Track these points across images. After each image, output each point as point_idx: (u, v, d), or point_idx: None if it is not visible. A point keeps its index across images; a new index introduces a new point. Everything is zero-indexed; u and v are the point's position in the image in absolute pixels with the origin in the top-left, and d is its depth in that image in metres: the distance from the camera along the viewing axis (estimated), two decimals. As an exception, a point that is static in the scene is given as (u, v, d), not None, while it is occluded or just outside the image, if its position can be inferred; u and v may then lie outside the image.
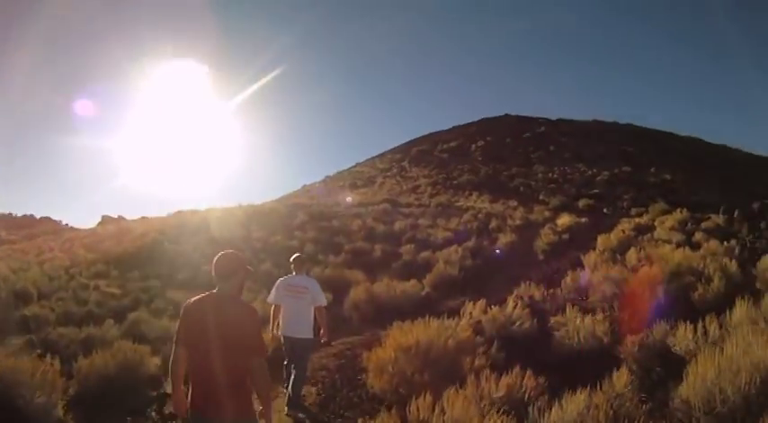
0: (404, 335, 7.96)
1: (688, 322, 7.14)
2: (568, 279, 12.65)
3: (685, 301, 9.70)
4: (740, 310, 7.38)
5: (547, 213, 29.39)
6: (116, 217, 43.10)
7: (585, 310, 9.61)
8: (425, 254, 20.08)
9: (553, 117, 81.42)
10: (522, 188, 42.79)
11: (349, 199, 22.79)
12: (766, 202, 23.33)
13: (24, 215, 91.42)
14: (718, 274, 10.40)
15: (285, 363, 7.72)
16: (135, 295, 17.32)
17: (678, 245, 16.10)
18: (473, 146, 64.29)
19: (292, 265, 8.02)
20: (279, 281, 7.90)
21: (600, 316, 9.08)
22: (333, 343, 10.58)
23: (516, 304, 10.15)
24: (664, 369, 6.82)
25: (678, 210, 23.94)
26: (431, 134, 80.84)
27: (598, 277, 12.27)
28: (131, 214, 41.18)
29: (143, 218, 38.73)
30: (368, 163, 71.25)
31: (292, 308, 7.52)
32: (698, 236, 18.92)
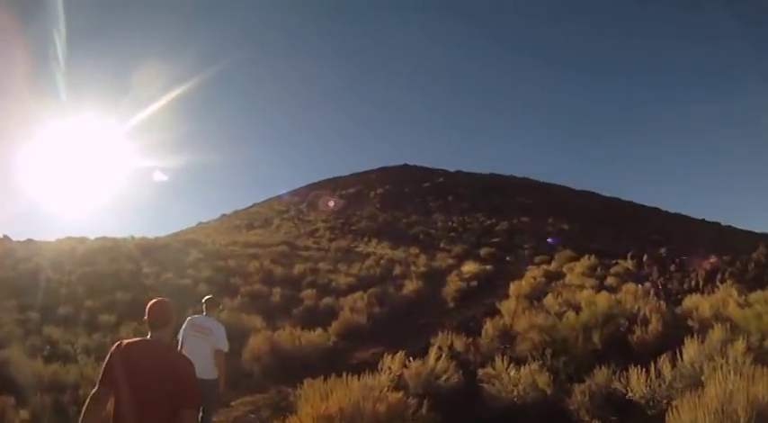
0: (321, 399, 6.74)
1: (638, 366, 6.78)
2: (489, 327, 11.76)
3: (622, 345, 9.52)
4: (691, 348, 7.14)
5: (450, 261, 28.74)
6: (0, 236, 39.58)
7: (516, 361, 8.70)
8: (328, 300, 18.48)
9: (451, 169, 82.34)
10: (421, 236, 42.40)
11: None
12: (672, 248, 24.67)
13: None
14: (655, 314, 10.14)
15: None
16: (9, 328, 15.06)
17: (593, 289, 16.03)
18: (372, 193, 63.67)
19: (203, 306, 7.84)
20: (187, 319, 7.66)
21: (534, 365, 8.25)
22: (233, 403, 9.56)
23: (439, 355, 9.09)
24: (621, 418, 6.63)
25: (586, 256, 23.81)
26: (330, 179, 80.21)
27: (523, 324, 11.46)
28: (18, 235, 37.84)
29: (29, 240, 35.77)
30: (265, 204, 69.86)
31: (195, 348, 7.14)
32: (610, 280, 19.13)
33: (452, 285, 19.52)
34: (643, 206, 70.12)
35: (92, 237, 34.82)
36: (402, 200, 60.11)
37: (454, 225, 47.52)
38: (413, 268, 25.27)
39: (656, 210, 69.00)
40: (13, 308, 17.73)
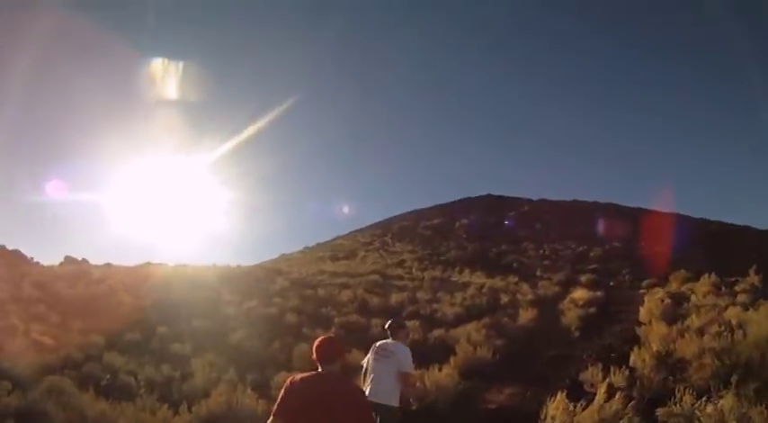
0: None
1: None
2: (641, 356, 10.16)
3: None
4: None
5: (555, 288, 26.88)
6: (80, 259, 39.62)
7: (696, 393, 7.18)
8: (438, 332, 16.63)
9: (534, 197, 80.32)
10: (515, 264, 40.81)
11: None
12: None
13: None
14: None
15: None
16: (67, 351, 13.86)
17: (733, 307, 14.62)
18: (456, 223, 62.18)
19: (388, 331, 7.55)
20: (373, 345, 7.47)
21: (729, 397, 6.64)
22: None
23: (611, 395, 7.50)
24: None
25: (705, 275, 22.06)
26: (412, 211, 78.58)
27: (690, 349, 9.84)
28: (99, 260, 37.91)
29: (107, 264, 35.55)
30: (348, 236, 68.64)
31: (377, 371, 7.08)
32: (741, 297, 17.31)
33: (571, 313, 17.79)
34: (732, 225, 66.57)
35: (171, 263, 34.31)
36: (488, 230, 58.34)
37: (546, 253, 45.88)
38: (519, 296, 23.48)
39: (747, 228, 65.34)
40: (76, 329, 16.79)
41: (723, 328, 11.10)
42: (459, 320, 18.67)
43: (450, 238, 55.48)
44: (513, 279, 31.12)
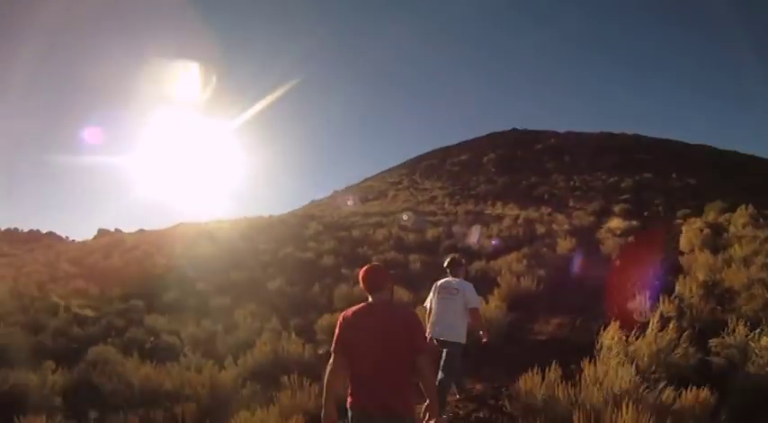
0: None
1: None
2: (687, 286, 10.20)
3: None
4: None
5: (590, 218, 26.80)
6: (113, 230, 40.13)
7: (749, 324, 7.18)
8: (478, 264, 16.68)
9: (560, 130, 79.09)
10: (546, 196, 40.40)
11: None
12: None
13: (30, 230, 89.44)
14: None
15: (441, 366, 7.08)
16: (109, 320, 14.22)
17: None
18: (484, 158, 61.52)
19: (447, 269, 7.60)
20: (435, 283, 7.50)
21: None
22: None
23: (664, 325, 7.51)
24: None
25: (743, 206, 21.71)
26: (438, 149, 77.92)
27: (739, 279, 9.87)
28: (130, 226, 38.26)
29: (140, 231, 35.87)
30: (377, 177, 68.36)
31: (443, 310, 7.13)
32: None
33: (610, 242, 17.77)
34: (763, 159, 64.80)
35: (203, 222, 34.17)
36: (516, 163, 57.78)
37: (577, 184, 45.13)
38: (555, 226, 23.46)
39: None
40: (116, 298, 17.01)
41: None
42: (497, 252, 18.78)
43: (479, 172, 54.96)
44: (546, 210, 31.05)
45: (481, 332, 7.38)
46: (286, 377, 7.81)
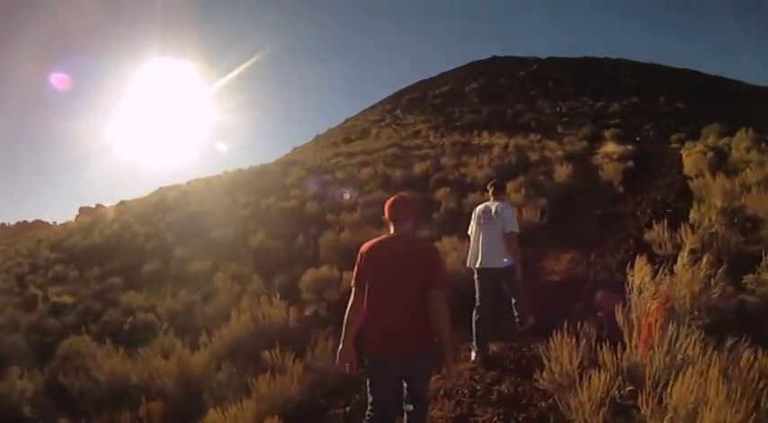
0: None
1: None
2: (703, 214, 9.27)
3: None
4: None
5: (583, 144, 25.78)
6: (94, 206, 39.10)
7: None
8: (472, 197, 15.19)
9: (542, 56, 77.59)
10: (533, 123, 39.69)
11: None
12: None
13: (18, 223, 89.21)
14: None
15: (477, 304, 6.75)
16: (86, 304, 13.36)
17: None
18: (466, 88, 60.23)
19: (489, 193, 7.31)
20: (474, 210, 7.20)
21: None
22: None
23: (699, 260, 6.48)
24: None
25: (742, 130, 20.90)
26: (419, 82, 75.96)
27: (766, 207, 8.95)
28: (114, 199, 37.05)
29: (121, 202, 34.67)
30: (358, 117, 66.84)
31: (484, 236, 6.82)
32: None
33: (610, 167, 16.73)
34: (754, 86, 63.88)
35: (183, 183, 32.63)
36: (500, 91, 56.64)
37: (563, 110, 44.44)
38: (548, 153, 22.32)
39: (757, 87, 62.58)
40: (93, 277, 16.30)
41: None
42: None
43: (463, 103, 53.77)
44: (535, 137, 29.92)
45: (511, 260, 6.78)
46: (267, 352, 6.79)
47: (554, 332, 5.16)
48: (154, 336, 9.46)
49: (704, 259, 6.47)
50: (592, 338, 5.14)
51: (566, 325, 5.13)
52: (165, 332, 9.46)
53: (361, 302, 3.98)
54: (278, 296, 9.16)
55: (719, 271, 6.21)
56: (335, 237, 13.48)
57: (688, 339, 4.52)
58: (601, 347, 4.76)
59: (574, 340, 5.03)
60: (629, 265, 6.58)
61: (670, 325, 4.72)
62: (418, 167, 21.79)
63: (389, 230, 4.16)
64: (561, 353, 5.01)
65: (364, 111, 70.83)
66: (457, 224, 11.82)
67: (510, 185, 15.34)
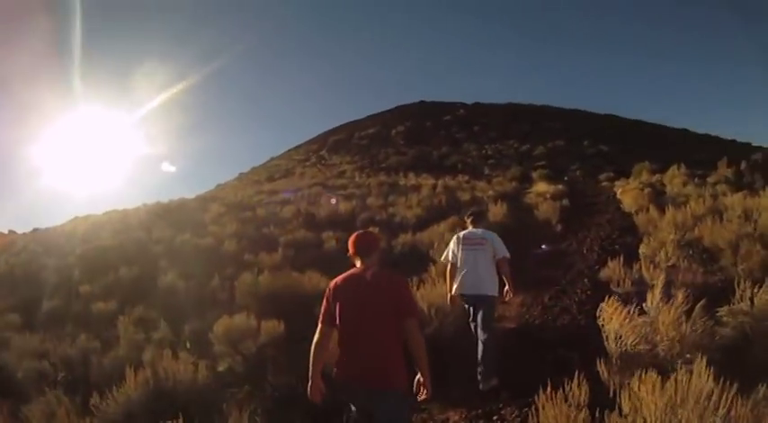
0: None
1: None
2: (667, 249, 8.44)
3: None
4: None
5: (513, 184, 25.23)
6: (6, 232, 36.31)
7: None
8: (404, 237, 14.43)
9: (468, 102, 78.57)
10: (460, 165, 39.63)
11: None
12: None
13: None
14: None
15: (471, 320, 6.55)
16: None
17: (717, 197, 13.39)
18: (393, 131, 60.18)
19: (469, 220, 7.03)
20: (454, 237, 6.89)
21: None
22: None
23: (671, 296, 5.73)
24: None
25: (675, 167, 20.96)
26: (346, 124, 76.15)
27: (724, 236, 8.60)
28: (29, 227, 34.43)
29: (34, 230, 32.40)
30: (283, 156, 66.04)
31: (470, 263, 6.39)
32: (721, 188, 16.08)
33: (545, 206, 15.99)
34: (668, 127, 66.44)
35: (100, 213, 30.38)
36: (425, 135, 56.71)
37: (489, 153, 44.85)
38: (479, 193, 21.54)
39: (685, 131, 65.22)
40: None
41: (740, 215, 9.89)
42: (422, 223, 16.43)
43: (389, 145, 53.48)
44: (463, 178, 29.44)
45: (507, 287, 6.56)
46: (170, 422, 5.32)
47: (535, 395, 4.04)
48: (40, 394, 7.63)
49: (679, 295, 5.65)
50: (582, 404, 3.99)
51: (548, 386, 4.01)
52: (55, 387, 7.76)
53: (327, 339, 3.89)
54: (188, 346, 8.17)
55: (697, 306, 5.45)
56: (254, 280, 12.02)
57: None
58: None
59: (565, 407, 3.86)
60: (589, 307, 5.74)
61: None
62: (344, 206, 20.68)
63: (355, 265, 4.04)
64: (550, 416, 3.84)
65: (289, 150, 70.46)
66: (388, 267, 10.66)
67: (443, 225, 14.37)
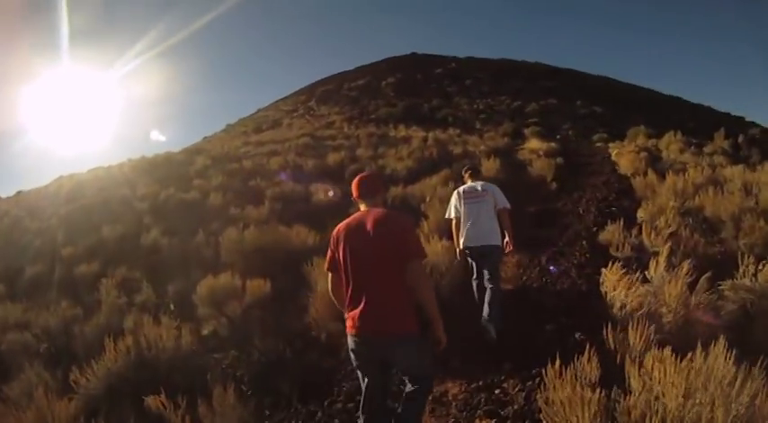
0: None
1: None
2: (668, 216, 8.12)
3: None
4: None
5: (505, 139, 24.83)
6: None
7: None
8: (394, 190, 13.83)
9: (460, 55, 77.54)
10: (450, 119, 39.08)
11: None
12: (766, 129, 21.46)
13: None
14: None
15: (474, 278, 6.50)
16: None
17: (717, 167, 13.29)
18: (383, 82, 59.20)
19: (467, 175, 7.02)
20: (454, 193, 6.85)
21: None
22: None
23: (675, 266, 5.51)
24: None
25: (671, 133, 20.67)
26: (335, 74, 74.76)
27: (726, 208, 8.52)
28: (11, 190, 33.62)
29: (18, 193, 31.59)
30: (271, 107, 64.80)
31: (473, 215, 6.40)
32: (717, 159, 15.87)
33: (539, 163, 15.66)
34: (662, 94, 65.96)
35: (84, 171, 29.39)
36: (416, 87, 55.77)
37: (481, 107, 44.17)
38: (471, 148, 21.24)
39: (678, 99, 64.69)
40: None
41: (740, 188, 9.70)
42: (413, 175, 16.08)
43: (378, 97, 52.63)
44: (454, 131, 29.00)
45: (507, 239, 6.54)
46: (152, 398, 4.93)
47: (539, 368, 3.75)
48: (20, 368, 7.12)
49: (684, 266, 5.42)
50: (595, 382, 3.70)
51: (557, 359, 3.71)
52: (36, 360, 7.31)
53: (339, 284, 3.71)
54: (171, 308, 7.83)
55: (702, 279, 5.25)
56: (239, 235, 11.56)
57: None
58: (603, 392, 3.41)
59: (578, 387, 3.53)
60: (589, 270, 5.97)
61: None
62: (332, 158, 20.25)
63: (359, 208, 3.87)
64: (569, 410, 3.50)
65: (277, 101, 69.17)
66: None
67: (435, 179, 14.04)
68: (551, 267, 7.76)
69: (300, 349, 6.19)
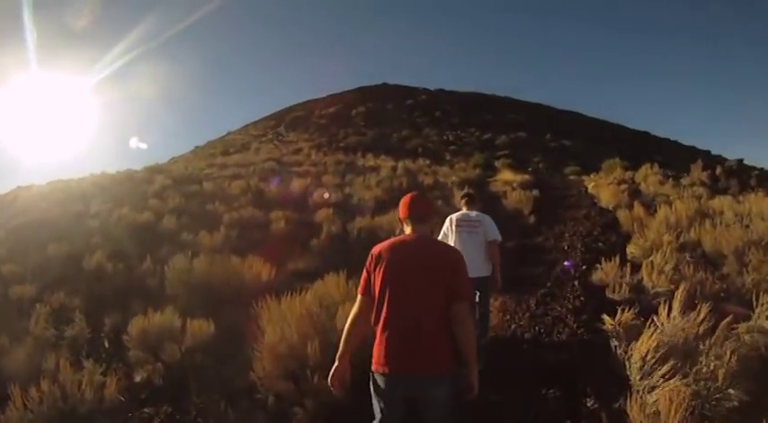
0: None
1: None
2: (664, 251, 7.45)
3: None
4: None
5: (477, 171, 24.16)
6: None
7: None
8: (361, 222, 12.96)
9: (431, 87, 77.79)
10: (420, 149, 38.61)
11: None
12: (741, 160, 21.73)
13: None
14: None
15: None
16: None
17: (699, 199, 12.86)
18: (353, 111, 59.04)
19: (463, 202, 6.90)
20: (447, 219, 6.68)
21: None
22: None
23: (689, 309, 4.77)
24: None
25: (647, 165, 20.31)
26: (306, 102, 74.25)
27: (726, 240, 7.89)
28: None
29: None
30: (241, 130, 64.38)
31: (465, 245, 6.08)
32: (697, 190, 15.52)
33: (515, 195, 15.01)
34: (629, 128, 67.12)
35: (43, 183, 27.82)
36: (386, 117, 55.71)
37: (450, 139, 44.10)
38: (441, 178, 20.50)
39: (646, 133, 65.57)
40: None
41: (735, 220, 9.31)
42: (382, 206, 15.06)
43: (348, 125, 52.26)
44: (425, 162, 28.36)
45: (494, 273, 6.33)
46: None
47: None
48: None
49: (701, 311, 4.67)
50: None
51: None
52: None
53: (368, 313, 3.28)
54: (107, 346, 6.99)
55: (722, 324, 4.56)
56: (187, 265, 10.45)
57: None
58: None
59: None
60: (587, 316, 5.52)
61: None
62: (297, 184, 19.25)
63: (406, 231, 3.50)
64: None
65: (247, 125, 68.80)
66: (343, 254, 9.39)
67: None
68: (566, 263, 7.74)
69: (245, 411, 5.15)
